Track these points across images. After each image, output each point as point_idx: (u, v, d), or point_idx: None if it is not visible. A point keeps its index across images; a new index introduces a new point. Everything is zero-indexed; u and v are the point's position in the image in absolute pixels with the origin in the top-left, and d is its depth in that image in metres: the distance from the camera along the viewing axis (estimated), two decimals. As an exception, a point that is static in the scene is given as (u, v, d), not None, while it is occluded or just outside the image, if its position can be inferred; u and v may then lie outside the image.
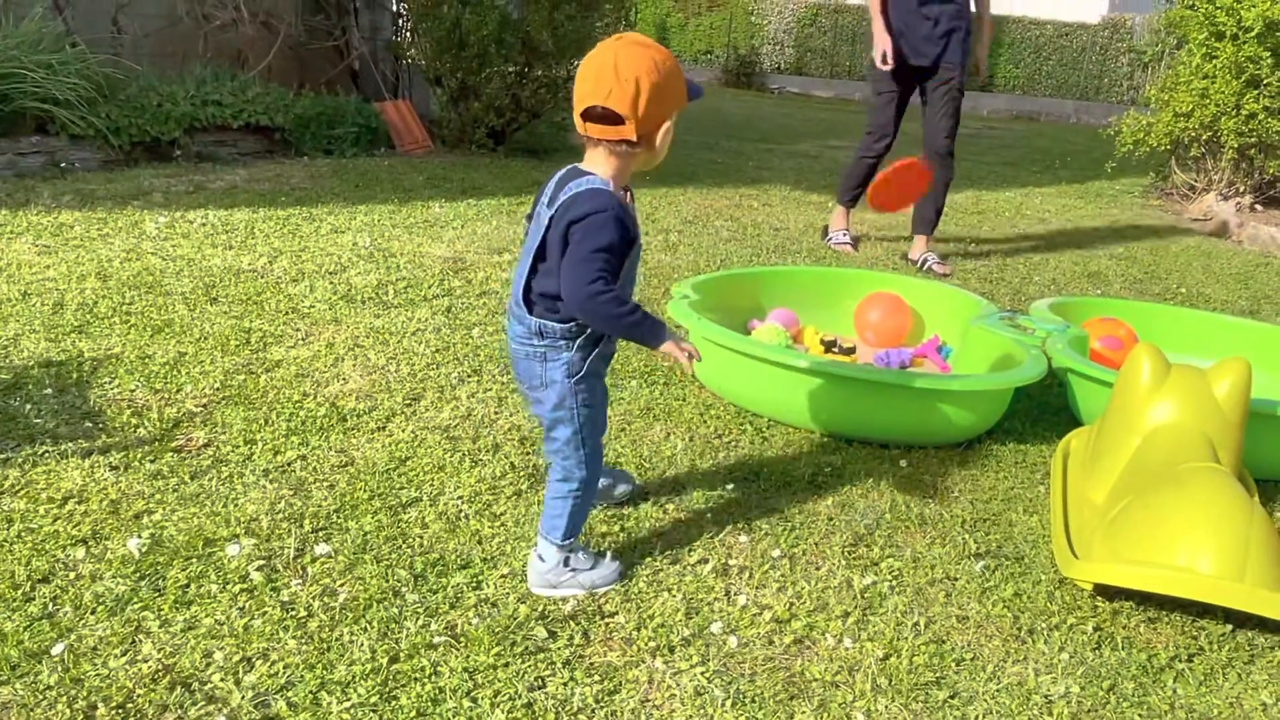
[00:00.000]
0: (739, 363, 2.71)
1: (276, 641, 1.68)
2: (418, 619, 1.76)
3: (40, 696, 1.51)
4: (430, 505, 2.16)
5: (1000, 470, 2.61)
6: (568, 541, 1.87)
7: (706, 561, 2.03)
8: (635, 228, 1.74)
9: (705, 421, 2.74)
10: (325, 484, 2.21)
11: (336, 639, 1.69)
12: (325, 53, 7.15)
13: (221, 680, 1.57)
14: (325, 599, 1.80)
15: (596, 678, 1.66)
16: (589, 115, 1.66)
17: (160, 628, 1.69)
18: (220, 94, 5.92)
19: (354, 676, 1.60)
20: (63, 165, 5.18)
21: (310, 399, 2.65)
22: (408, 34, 7.34)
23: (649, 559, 2.02)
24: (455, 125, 6.89)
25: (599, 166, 1.73)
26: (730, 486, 2.36)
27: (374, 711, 1.54)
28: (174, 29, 6.29)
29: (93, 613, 1.71)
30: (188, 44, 6.34)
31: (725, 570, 2.01)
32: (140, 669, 1.59)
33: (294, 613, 1.75)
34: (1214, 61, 6.51)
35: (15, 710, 1.49)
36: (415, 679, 1.61)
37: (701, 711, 1.61)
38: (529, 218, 1.83)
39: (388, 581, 1.87)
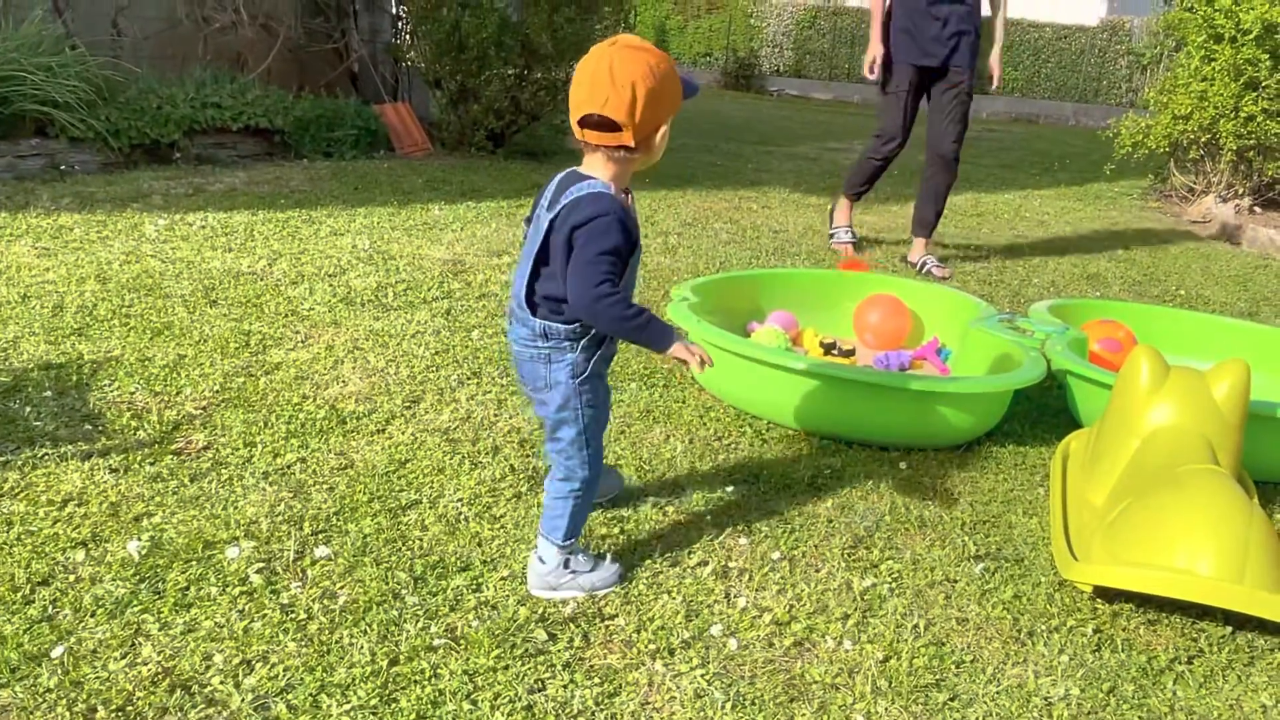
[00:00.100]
0: (738, 365, 2.71)
1: (276, 644, 1.68)
2: (417, 621, 1.76)
3: (40, 699, 1.51)
4: (430, 508, 2.16)
5: (1000, 472, 2.61)
6: (569, 542, 1.87)
7: (706, 564, 2.03)
8: (636, 230, 1.75)
9: (705, 424, 2.74)
10: (325, 486, 2.21)
11: (336, 641, 1.69)
12: (325, 55, 7.16)
13: (221, 683, 1.57)
14: (325, 601, 1.80)
15: (596, 680, 1.66)
16: (586, 123, 1.66)
17: (160, 630, 1.69)
18: (220, 96, 5.93)
19: (354, 679, 1.60)
20: (62, 168, 5.18)
21: (310, 401, 2.65)
22: (407, 36, 7.35)
23: (649, 561, 2.02)
24: (455, 128, 6.90)
25: (598, 170, 1.73)
26: (730, 489, 2.36)
27: (374, 714, 1.54)
28: (174, 31, 6.29)
29: (92, 615, 1.71)
30: (187, 46, 6.35)
31: (725, 573, 2.01)
32: (140, 671, 1.58)
33: (294, 615, 1.75)
34: (1212, 64, 6.52)
35: (15, 713, 1.48)
36: (415, 681, 1.61)
37: (701, 714, 1.61)
38: (528, 221, 1.83)
39: (387, 584, 1.86)
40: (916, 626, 1.89)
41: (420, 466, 2.34)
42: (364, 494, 2.19)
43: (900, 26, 4.53)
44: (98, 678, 1.56)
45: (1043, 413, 3.03)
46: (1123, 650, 1.88)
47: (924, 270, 4.73)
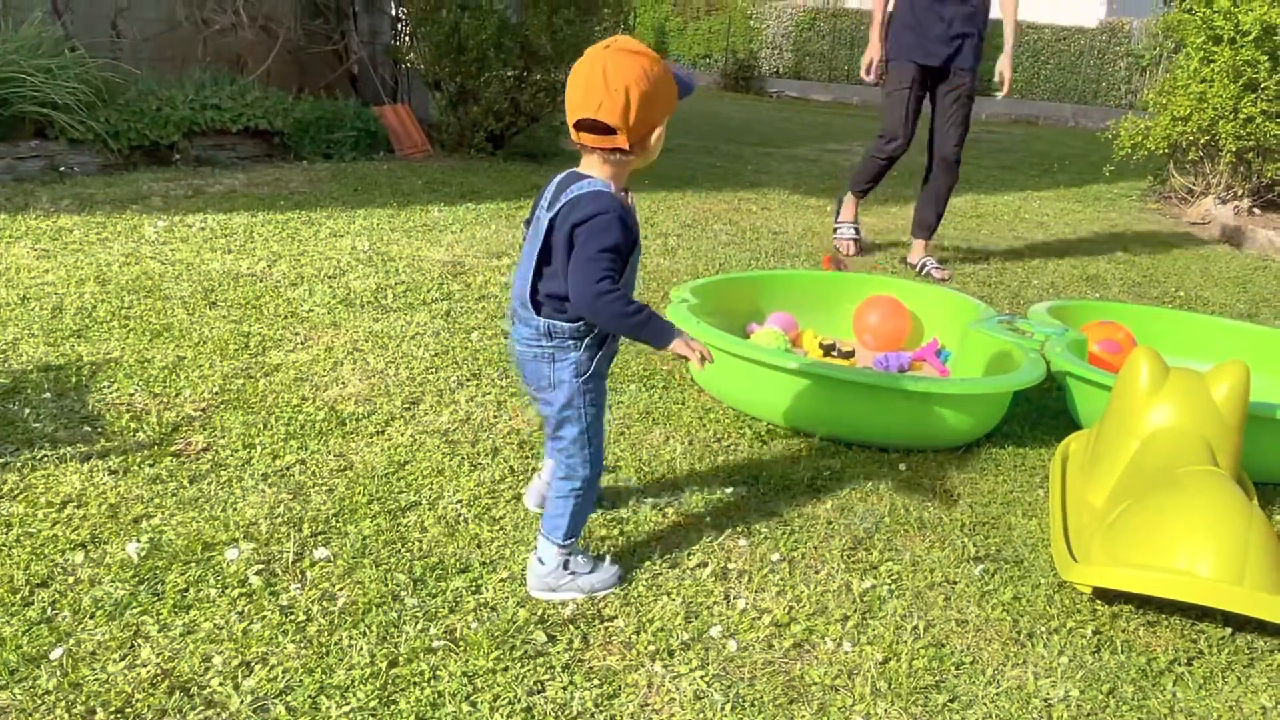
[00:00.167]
0: (738, 366, 2.71)
1: (275, 646, 1.67)
2: (417, 623, 1.76)
3: (39, 701, 1.51)
4: (429, 509, 2.15)
5: (999, 474, 2.61)
6: (569, 542, 1.87)
7: (706, 565, 2.03)
8: (636, 229, 1.76)
9: (704, 425, 2.74)
10: (324, 488, 2.21)
11: (335, 643, 1.69)
12: (324, 57, 7.16)
13: (220, 684, 1.57)
14: (324, 603, 1.80)
15: (596, 682, 1.66)
16: (581, 126, 1.68)
17: (159, 632, 1.69)
18: (219, 98, 5.93)
19: (353, 681, 1.60)
20: (61, 169, 5.18)
21: (309, 403, 2.65)
22: (406, 38, 7.35)
23: (648, 563, 2.02)
24: (454, 129, 6.90)
25: (596, 171, 1.75)
26: (729, 490, 2.36)
27: (373, 716, 1.54)
28: (173, 33, 6.29)
29: (91, 617, 1.71)
30: (187, 48, 6.35)
31: (724, 574, 2.01)
32: (139, 673, 1.58)
33: (293, 617, 1.75)
34: (1211, 65, 6.52)
35: (14, 715, 1.48)
36: (414, 683, 1.61)
37: (701, 715, 1.61)
38: (527, 223, 1.84)
39: (387, 586, 1.86)
40: (916, 628, 1.89)
41: (419, 468, 2.34)
42: (363, 496, 2.19)
43: (905, 24, 4.51)
44: (97, 679, 1.56)
45: (1042, 414, 3.03)
46: (1122, 652, 1.88)
47: (923, 272, 4.73)
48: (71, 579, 1.81)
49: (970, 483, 2.54)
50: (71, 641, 1.64)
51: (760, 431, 2.73)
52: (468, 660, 1.67)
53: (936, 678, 1.76)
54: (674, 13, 20.25)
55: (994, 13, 4.65)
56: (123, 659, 1.61)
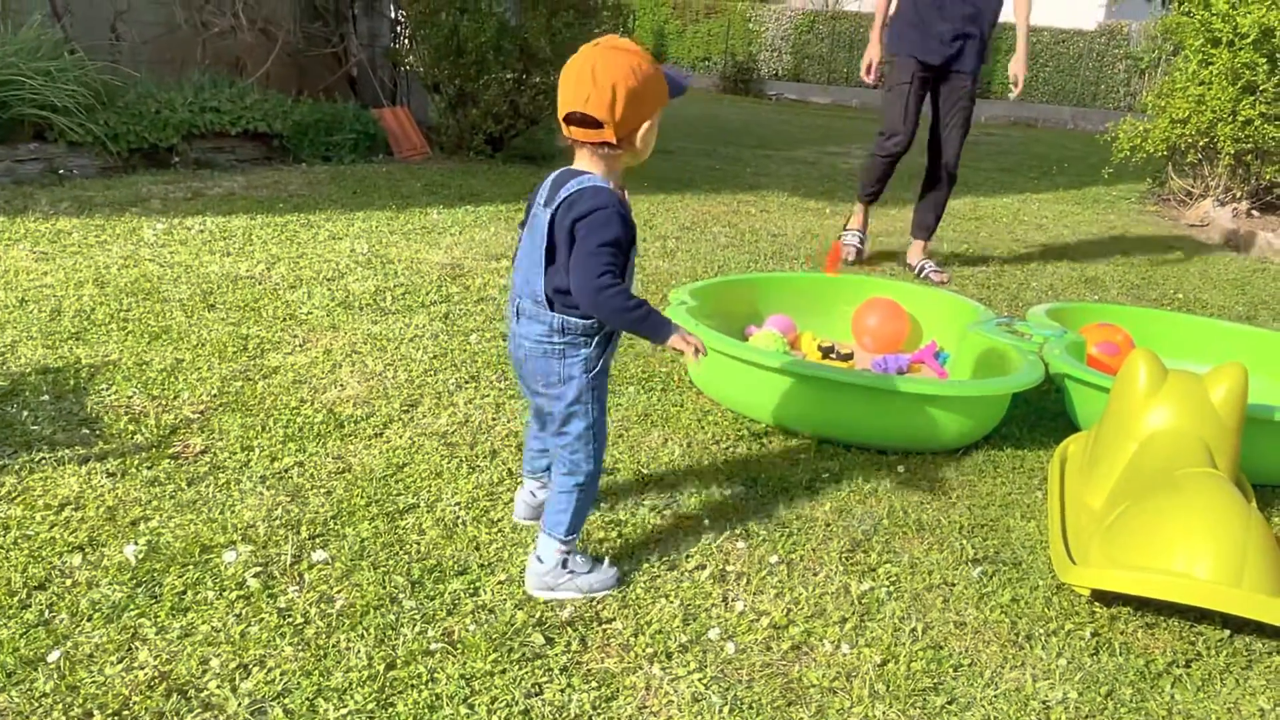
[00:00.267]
0: (736, 369, 2.71)
1: (273, 648, 1.67)
2: (415, 625, 1.76)
3: (36, 704, 1.51)
4: (427, 512, 2.15)
5: (998, 476, 2.61)
6: (571, 538, 1.87)
7: (704, 567, 2.03)
8: (633, 225, 1.78)
9: (703, 427, 2.74)
10: (322, 490, 2.21)
11: (333, 646, 1.69)
12: (324, 59, 7.17)
13: (218, 687, 1.57)
14: (322, 605, 1.80)
15: (594, 684, 1.66)
16: (570, 120, 1.71)
17: (157, 634, 1.68)
18: (218, 101, 5.93)
19: (351, 683, 1.60)
20: (61, 172, 5.18)
21: (307, 405, 2.65)
22: (406, 41, 7.36)
23: (646, 565, 2.01)
24: (453, 132, 6.91)
25: (588, 167, 1.77)
26: (728, 492, 2.36)
27: (370, 718, 1.53)
28: (172, 36, 6.30)
29: (89, 620, 1.71)
30: (186, 51, 6.35)
31: (723, 576, 2.01)
32: (136, 676, 1.58)
33: (291, 619, 1.75)
34: (1210, 68, 6.53)
35: (11, 717, 1.48)
36: (412, 686, 1.61)
37: (699, 718, 1.61)
38: (522, 225, 1.85)
39: (385, 588, 1.86)
40: (914, 630, 1.89)
41: (418, 470, 2.34)
42: (361, 498, 2.19)
43: (907, 21, 4.50)
44: (94, 682, 1.56)
45: (1041, 416, 3.03)
46: (1121, 654, 1.88)
47: (922, 274, 4.74)
48: (69, 581, 1.81)
49: (969, 485, 2.54)
50: (69, 644, 1.64)
51: (758, 434, 2.73)
52: (465, 662, 1.67)
53: (935, 680, 1.75)
54: (673, 15, 20.28)
55: (1004, 16, 4.63)
56: (120, 661, 1.61)
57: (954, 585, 2.06)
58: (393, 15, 7.54)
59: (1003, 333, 3.01)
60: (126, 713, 1.51)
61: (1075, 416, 2.88)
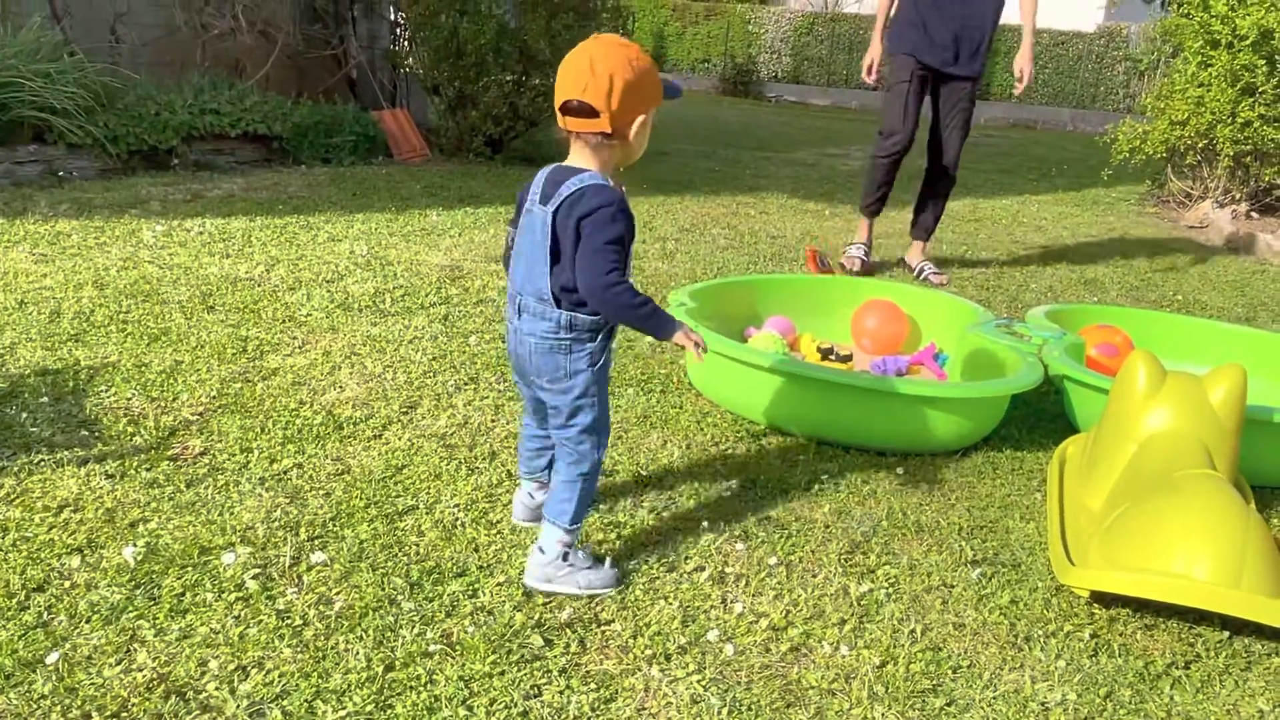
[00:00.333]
0: (736, 370, 2.71)
1: (272, 650, 1.67)
2: (413, 627, 1.76)
3: (34, 706, 1.51)
4: (426, 513, 2.15)
5: (997, 477, 2.61)
6: (575, 526, 1.88)
7: (703, 569, 2.03)
8: (634, 220, 1.80)
9: (702, 429, 2.74)
10: (321, 492, 2.21)
11: (332, 647, 1.69)
12: (323, 61, 7.17)
13: (216, 689, 1.57)
14: (321, 607, 1.80)
15: (593, 686, 1.66)
16: (566, 109, 1.73)
17: (155, 636, 1.68)
18: (218, 103, 5.94)
19: (349, 685, 1.60)
20: (60, 174, 5.18)
21: (307, 407, 2.65)
22: (405, 43, 7.37)
23: (645, 566, 2.01)
24: (453, 134, 6.91)
25: (583, 161, 1.79)
26: (727, 494, 2.36)
27: (369, 720, 1.54)
28: (172, 38, 6.30)
29: (87, 621, 1.70)
30: (186, 53, 6.36)
31: (722, 578, 2.01)
32: (135, 678, 1.58)
33: (289, 621, 1.75)
34: (1209, 70, 6.53)
35: (10, 719, 1.48)
36: (411, 687, 1.61)
37: (698, 719, 1.61)
38: (512, 223, 1.88)
39: (384, 590, 1.86)
40: (913, 632, 1.89)
41: (417, 472, 2.34)
42: (360, 499, 2.19)
43: (908, 20, 4.49)
44: (92, 684, 1.56)
45: (1040, 418, 3.03)
46: (1120, 655, 1.88)
47: (921, 276, 4.74)
48: (68, 583, 1.81)
49: (968, 486, 2.54)
50: (67, 646, 1.64)
51: (758, 435, 2.73)
52: (464, 664, 1.67)
53: (934, 681, 1.75)
54: (673, 17, 20.29)
55: (1005, 17, 4.62)
56: (119, 663, 1.61)
57: (953, 587, 2.06)
58: (392, 17, 7.55)
59: (1002, 334, 3.01)
60: (125, 714, 1.50)
61: (1074, 418, 2.88)
